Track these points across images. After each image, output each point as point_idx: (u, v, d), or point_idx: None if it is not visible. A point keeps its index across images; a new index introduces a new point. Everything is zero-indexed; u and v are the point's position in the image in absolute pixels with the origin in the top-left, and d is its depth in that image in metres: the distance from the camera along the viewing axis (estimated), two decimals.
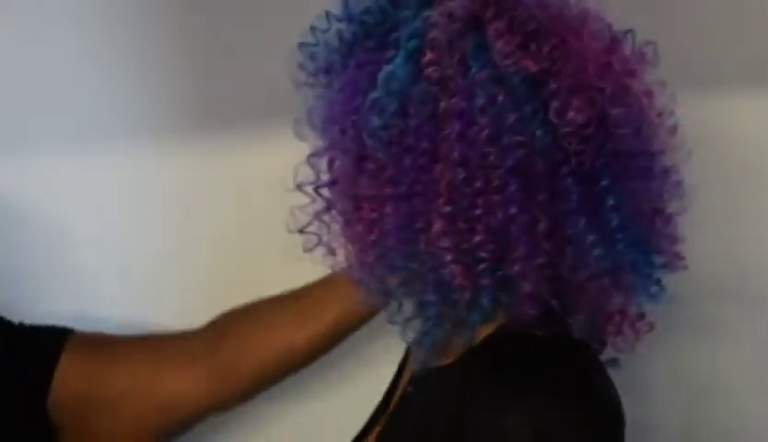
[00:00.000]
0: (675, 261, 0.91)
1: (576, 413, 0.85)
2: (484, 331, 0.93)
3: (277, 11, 1.24)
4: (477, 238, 0.86)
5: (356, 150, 0.90)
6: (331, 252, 0.96)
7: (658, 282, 0.91)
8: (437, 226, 0.86)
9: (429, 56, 0.87)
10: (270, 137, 1.23)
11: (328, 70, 0.97)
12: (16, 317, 1.17)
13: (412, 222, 0.87)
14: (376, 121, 0.87)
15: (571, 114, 0.85)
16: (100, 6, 1.25)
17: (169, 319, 1.27)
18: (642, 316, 0.94)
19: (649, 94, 0.90)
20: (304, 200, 0.99)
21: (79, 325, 1.19)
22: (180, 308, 1.28)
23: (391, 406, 1.04)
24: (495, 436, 0.84)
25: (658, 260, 0.91)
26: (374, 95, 0.87)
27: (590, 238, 0.86)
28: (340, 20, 0.98)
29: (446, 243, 0.86)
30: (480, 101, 0.85)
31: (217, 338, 1.17)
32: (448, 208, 0.86)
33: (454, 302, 0.89)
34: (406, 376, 1.04)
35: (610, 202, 0.87)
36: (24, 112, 1.27)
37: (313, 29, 1.00)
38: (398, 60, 0.88)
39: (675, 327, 1.04)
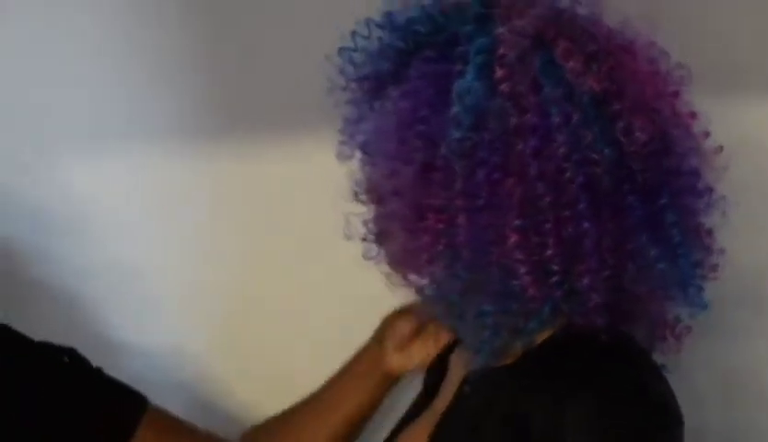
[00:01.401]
0: (712, 273, 0.97)
1: (638, 409, 0.89)
2: (543, 334, 0.96)
3: (303, 14, 1.26)
4: (549, 252, 0.89)
5: (422, 160, 0.92)
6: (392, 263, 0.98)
7: (700, 291, 0.96)
8: (512, 239, 0.89)
9: (500, 72, 0.90)
10: (294, 142, 1.25)
11: (376, 76, 0.98)
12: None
13: (484, 234, 0.90)
14: (455, 133, 0.89)
15: (637, 133, 0.90)
16: (124, 7, 1.26)
17: (188, 321, 1.30)
18: (678, 320, 0.99)
19: (694, 115, 0.96)
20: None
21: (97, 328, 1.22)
22: (201, 309, 1.31)
23: (442, 402, 1.06)
24: (557, 430, 0.88)
25: (700, 271, 0.97)
26: (453, 109, 0.89)
27: (653, 252, 0.91)
28: (382, 27, 1.00)
29: (520, 256, 0.89)
30: (555, 119, 0.89)
31: None
32: (520, 222, 0.89)
33: (512, 311, 0.93)
34: (456, 371, 1.07)
35: (671, 218, 0.92)
36: (47, 115, 1.28)
37: (354, 34, 1.01)
38: (469, 75, 0.90)
39: (717, 331, 1.09)
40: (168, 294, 1.33)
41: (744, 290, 1.20)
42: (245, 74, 1.30)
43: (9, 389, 1.11)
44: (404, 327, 1.19)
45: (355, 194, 1.01)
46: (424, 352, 1.18)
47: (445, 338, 1.15)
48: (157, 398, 1.20)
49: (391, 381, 1.21)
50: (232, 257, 1.33)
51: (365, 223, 1.00)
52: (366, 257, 0.99)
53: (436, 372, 1.13)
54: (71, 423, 1.13)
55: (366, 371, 1.20)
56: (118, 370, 1.20)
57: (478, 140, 0.90)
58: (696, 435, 0.95)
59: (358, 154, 1.03)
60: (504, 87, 0.90)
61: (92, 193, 1.32)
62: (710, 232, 0.96)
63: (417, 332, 1.19)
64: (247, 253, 1.34)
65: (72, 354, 1.17)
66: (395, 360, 1.19)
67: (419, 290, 0.98)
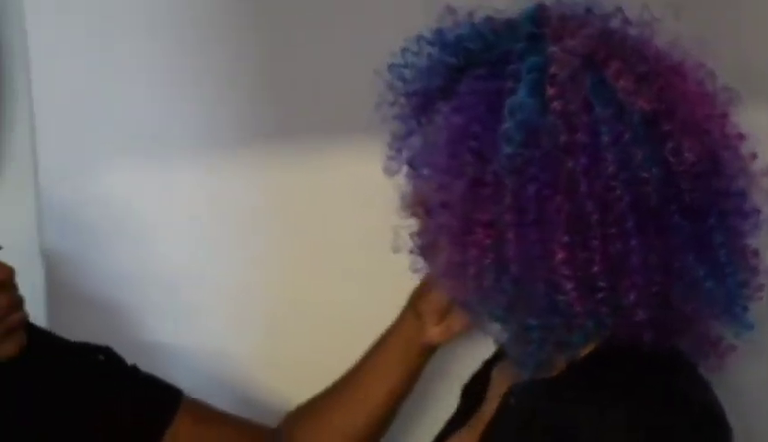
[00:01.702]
0: (758, 294, 0.98)
1: (683, 418, 0.90)
2: (588, 347, 0.97)
3: (356, 24, 1.29)
4: (595, 268, 0.91)
5: (472, 175, 0.93)
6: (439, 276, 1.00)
7: (746, 311, 0.97)
8: (560, 255, 0.90)
9: (552, 91, 0.91)
10: (335, 150, 1.27)
11: (426, 92, 1.00)
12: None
13: (532, 249, 0.91)
14: (506, 149, 0.90)
15: (686, 154, 0.91)
16: (184, 18, 1.31)
17: (228, 326, 1.33)
18: (720, 339, 1.00)
19: (742, 137, 0.97)
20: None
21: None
22: (242, 314, 1.34)
23: (485, 416, 1.06)
24: (606, 438, 0.89)
25: (745, 292, 0.97)
26: (505, 125, 0.91)
27: (701, 271, 0.92)
28: (432, 44, 1.02)
29: (566, 271, 0.91)
30: (605, 138, 0.90)
31: (288, 433, 1.26)
32: (568, 238, 0.90)
33: (557, 325, 0.94)
34: (499, 384, 1.08)
35: (718, 238, 0.93)
36: (103, 123, 1.32)
37: (404, 50, 1.03)
38: (521, 92, 0.92)
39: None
40: (207, 300, 1.35)
41: None
42: (286, 85, 1.32)
43: (48, 388, 1.15)
44: (440, 298, 1.16)
45: (403, 207, 1.03)
46: (462, 322, 1.17)
47: None
48: None
49: (430, 352, 1.21)
50: (270, 262, 1.35)
51: (411, 236, 1.02)
52: (413, 269, 1.00)
53: (475, 387, 1.14)
54: (108, 416, 1.17)
55: (405, 344, 1.20)
56: (157, 374, 1.24)
57: (529, 156, 0.91)
58: None
59: (405, 168, 1.06)
60: (555, 105, 0.91)
61: (131, 199, 1.35)
62: (756, 253, 0.97)
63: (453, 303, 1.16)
64: (285, 258, 1.36)
65: (107, 352, 1.22)
66: (435, 332, 1.19)
67: (465, 303, 1.00)
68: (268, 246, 1.36)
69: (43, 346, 1.16)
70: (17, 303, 1.10)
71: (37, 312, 1.19)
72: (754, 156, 0.97)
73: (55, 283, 1.35)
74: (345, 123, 1.25)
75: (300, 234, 1.35)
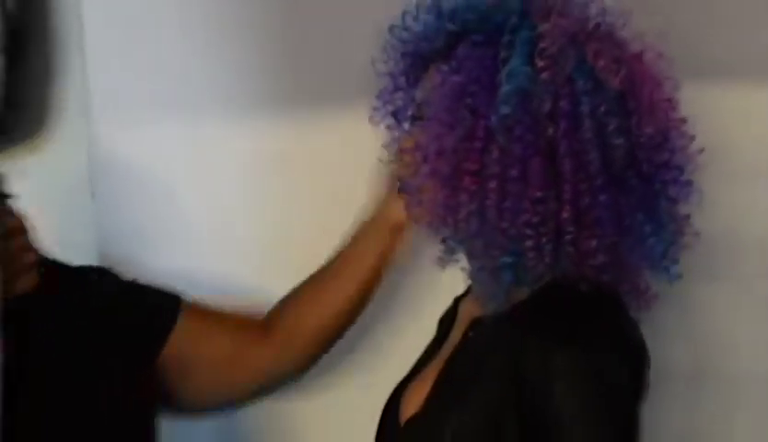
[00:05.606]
0: (686, 250, 1.17)
1: (615, 355, 1.07)
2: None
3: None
4: (565, 215, 1.08)
5: (466, 128, 1.09)
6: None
7: (675, 264, 1.16)
8: (536, 202, 1.07)
9: (542, 63, 1.07)
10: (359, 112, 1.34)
11: (426, 53, 1.16)
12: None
13: (512, 197, 1.07)
14: (504, 109, 1.06)
15: (647, 128, 1.09)
16: None
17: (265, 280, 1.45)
18: (649, 288, 1.17)
19: (684, 120, 1.15)
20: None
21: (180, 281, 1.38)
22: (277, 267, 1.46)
23: (450, 347, 1.22)
24: (546, 375, 1.05)
25: (677, 248, 1.16)
26: (504, 88, 1.06)
27: (647, 228, 1.11)
28: (428, 12, 1.17)
29: (540, 218, 1.07)
30: (585, 108, 1.07)
31: (276, 318, 1.39)
32: (544, 190, 1.07)
33: (523, 264, 1.10)
34: (463, 318, 1.23)
35: (662, 203, 1.12)
36: (133, 80, 1.44)
37: (404, 15, 1.17)
38: (516, 61, 1.08)
39: (687, 278, 1.18)
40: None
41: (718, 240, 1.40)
42: (311, 48, 1.47)
43: (58, 315, 1.24)
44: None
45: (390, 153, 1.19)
46: None
47: None
48: None
49: (398, 232, 1.32)
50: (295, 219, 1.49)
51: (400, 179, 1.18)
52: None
53: (447, 319, 1.29)
54: (110, 329, 1.26)
55: (375, 227, 1.33)
56: None
57: (519, 118, 1.07)
58: (661, 376, 1.15)
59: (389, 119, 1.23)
60: (544, 75, 1.07)
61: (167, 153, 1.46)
62: (687, 217, 1.15)
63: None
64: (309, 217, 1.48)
65: (100, 271, 1.33)
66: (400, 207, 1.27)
67: (443, 240, 1.18)
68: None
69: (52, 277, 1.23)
70: (29, 246, 1.19)
71: (89, 251, 1.35)
72: (693, 137, 1.16)
73: (105, 225, 1.44)
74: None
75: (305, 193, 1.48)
